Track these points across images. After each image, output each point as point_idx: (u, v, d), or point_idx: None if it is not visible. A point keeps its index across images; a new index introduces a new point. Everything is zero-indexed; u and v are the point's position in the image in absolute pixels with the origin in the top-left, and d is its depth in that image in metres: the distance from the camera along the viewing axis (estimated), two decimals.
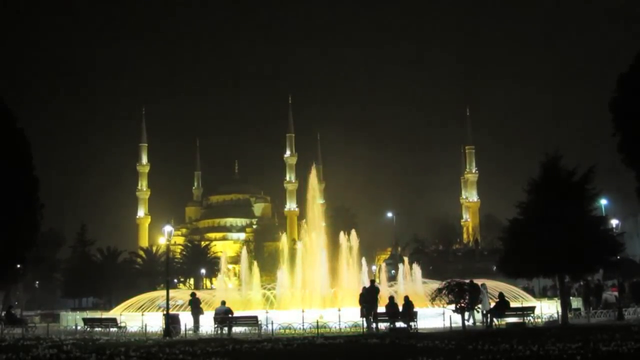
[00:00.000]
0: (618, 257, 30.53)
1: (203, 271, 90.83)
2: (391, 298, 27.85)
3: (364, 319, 27.25)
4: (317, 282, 38.08)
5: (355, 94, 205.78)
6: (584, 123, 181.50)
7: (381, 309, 27.61)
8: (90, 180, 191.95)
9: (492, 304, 28.39)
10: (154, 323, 29.80)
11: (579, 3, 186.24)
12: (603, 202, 34.98)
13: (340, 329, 26.98)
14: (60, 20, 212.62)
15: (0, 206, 26.01)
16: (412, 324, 25.93)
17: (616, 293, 36.13)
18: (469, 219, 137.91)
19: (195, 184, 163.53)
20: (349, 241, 40.16)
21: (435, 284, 30.62)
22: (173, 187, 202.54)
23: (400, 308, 26.92)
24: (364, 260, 42.44)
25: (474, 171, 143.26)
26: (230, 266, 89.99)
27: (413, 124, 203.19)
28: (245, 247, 77.74)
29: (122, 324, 29.95)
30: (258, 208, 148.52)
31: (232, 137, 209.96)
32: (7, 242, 26.34)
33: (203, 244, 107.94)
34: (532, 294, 42.55)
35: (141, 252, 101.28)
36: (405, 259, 47.16)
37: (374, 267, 76.40)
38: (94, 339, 23.94)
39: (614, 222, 32.07)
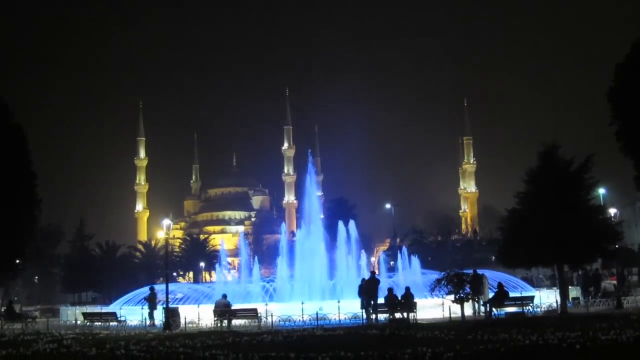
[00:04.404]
0: (617, 246, 30.62)
1: (202, 265, 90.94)
2: (391, 289, 27.90)
3: (364, 310, 27.33)
4: (316, 274, 38.11)
5: (352, 86, 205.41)
6: (582, 113, 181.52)
7: (381, 300, 27.67)
8: (89, 175, 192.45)
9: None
10: (155, 317, 29.89)
11: None
12: (601, 191, 35.02)
13: (340, 320, 27.02)
14: (58, 16, 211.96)
15: None
16: (411, 314, 25.99)
17: (615, 282, 36.22)
18: (467, 210, 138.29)
19: (194, 177, 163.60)
20: (348, 232, 40.21)
21: (435, 275, 30.66)
22: (172, 181, 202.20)
23: (400, 299, 26.99)
24: (363, 251, 42.51)
25: (472, 162, 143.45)
26: (230, 259, 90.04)
27: (411, 115, 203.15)
28: (244, 240, 77.91)
29: (122, 318, 30.01)
30: (257, 201, 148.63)
31: (230, 130, 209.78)
32: (6, 238, 26.32)
33: (202, 237, 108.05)
34: (531, 283, 42.64)
35: (140, 247, 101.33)
36: (405, 250, 47.13)
37: (372, 259, 76.55)
38: (94, 333, 23.92)
39: (613, 211, 32.10)
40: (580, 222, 27.29)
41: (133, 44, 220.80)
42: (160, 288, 37.04)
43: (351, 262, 39.42)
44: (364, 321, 26.49)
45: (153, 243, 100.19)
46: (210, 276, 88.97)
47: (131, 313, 31.53)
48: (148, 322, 29.54)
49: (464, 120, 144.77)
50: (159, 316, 29.77)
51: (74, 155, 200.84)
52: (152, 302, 30.28)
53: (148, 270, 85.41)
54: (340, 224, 41.14)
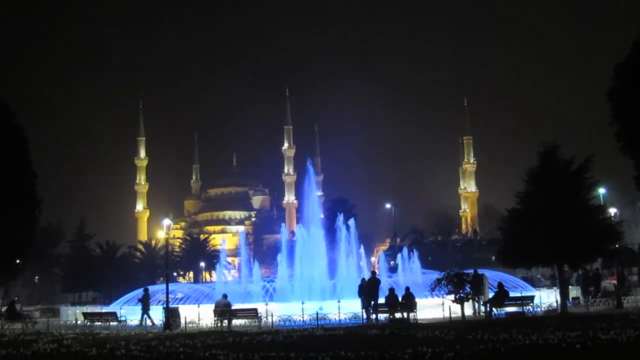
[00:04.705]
0: (617, 246, 30.61)
1: (202, 264, 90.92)
2: (392, 289, 27.89)
3: (364, 310, 27.33)
4: (316, 274, 38.08)
5: (352, 86, 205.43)
6: (582, 113, 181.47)
7: (382, 300, 27.66)
8: (89, 175, 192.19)
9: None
10: (154, 316, 29.88)
11: None
12: (601, 190, 35.00)
13: (340, 320, 27.01)
14: (58, 15, 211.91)
15: None
16: (411, 314, 25.98)
17: (615, 282, 36.21)
18: (467, 210, 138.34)
19: (194, 177, 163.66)
20: (347, 228, 40.16)
21: (435, 275, 30.66)
22: (171, 180, 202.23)
23: (401, 299, 26.98)
24: (362, 251, 42.45)
25: (472, 161, 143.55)
26: (230, 259, 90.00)
27: (411, 115, 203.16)
28: (244, 240, 77.82)
29: (122, 318, 29.99)
30: (257, 201, 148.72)
31: (230, 130, 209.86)
32: (6, 237, 26.31)
33: (202, 237, 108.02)
34: (531, 283, 42.60)
35: (140, 246, 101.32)
36: (405, 250, 47.13)
37: (372, 259, 76.52)
38: (94, 333, 23.94)
39: (613, 210, 32.09)
40: (580, 221, 27.27)
41: (133, 44, 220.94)
42: (160, 288, 37.08)
43: (351, 262, 39.39)
44: (364, 321, 26.49)
45: (153, 243, 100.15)
46: (210, 276, 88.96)
47: (131, 313, 31.49)
48: (147, 322, 29.50)
49: (464, 120, 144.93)
50: (158, 316, 29.73)
51: (73, 155, 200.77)
52: (145, 303, 30.19)
53: (148, 270, 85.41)
54: (339, 220, 41.01)
